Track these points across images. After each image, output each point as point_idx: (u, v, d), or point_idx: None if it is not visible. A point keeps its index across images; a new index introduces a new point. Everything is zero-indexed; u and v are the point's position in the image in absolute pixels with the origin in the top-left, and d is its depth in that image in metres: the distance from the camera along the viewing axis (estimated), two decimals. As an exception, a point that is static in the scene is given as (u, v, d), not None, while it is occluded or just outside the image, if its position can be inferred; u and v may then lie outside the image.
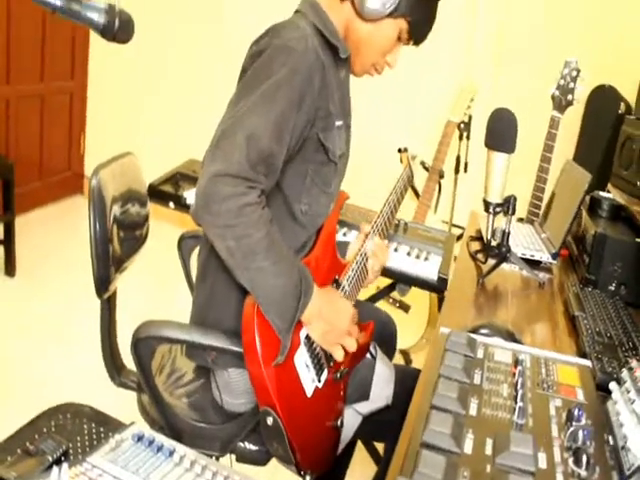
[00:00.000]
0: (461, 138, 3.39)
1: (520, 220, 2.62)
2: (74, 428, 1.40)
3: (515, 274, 2.04)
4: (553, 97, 2.53)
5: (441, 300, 2.42)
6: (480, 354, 1.36)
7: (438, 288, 2.26)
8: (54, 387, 2.74)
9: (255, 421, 1.52)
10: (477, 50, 3.68)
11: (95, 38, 1.16)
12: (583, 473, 1.00)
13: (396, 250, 2.39)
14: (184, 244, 2.03)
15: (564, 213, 2.15)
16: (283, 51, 1.41)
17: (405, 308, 3.05)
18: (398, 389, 1.68)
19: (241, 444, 1.60)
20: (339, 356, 1.52)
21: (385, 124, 4.03)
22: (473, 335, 1.43)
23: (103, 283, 1.66)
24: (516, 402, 1.17)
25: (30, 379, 2.82)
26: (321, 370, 1.53)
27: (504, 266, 1.98)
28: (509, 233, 1.92)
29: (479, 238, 2.27)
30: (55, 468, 1.06)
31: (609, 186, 2.58)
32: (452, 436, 1.04)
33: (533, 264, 2.08)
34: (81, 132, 4.97)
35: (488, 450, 1.03)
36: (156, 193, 2.57)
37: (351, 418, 1.64)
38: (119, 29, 1.04)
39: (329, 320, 1.49)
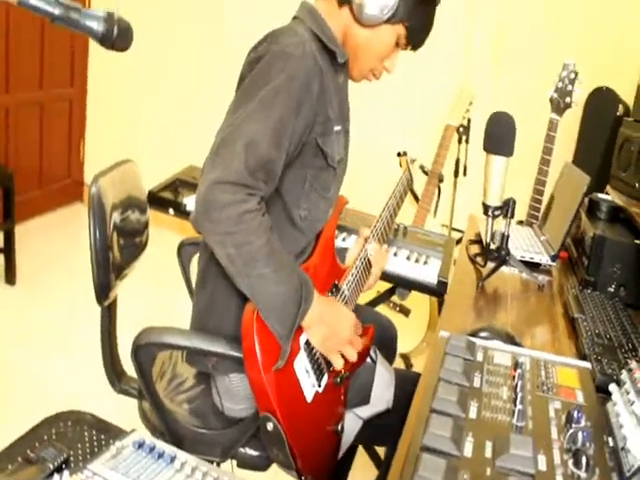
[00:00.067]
0: (460, 142, 3.40)
1: (519, 223, 2.62)
2: (75, 435, 1.40)
3: (515, 277, 2.04)
4: (551, 100, 2.54)
5: (441, 304, 2.42)
6: (480, 357, 1.36)
7: (438, 292, 2.26)
8: (55, 395, 2.74)
9: (256, 426, 1.51)
10: (475, 54, 3.69)
11: (94, 45, 1.17)
12: (583, 475, 1.00)
13: (396, 254, 2.39)
14: (184, 251, 2.03)
15: (563, 215, 2.15)
16: (281, 57, 1.41)
17: (405, 312, 3.05)
18: (398, 393, 1.68)
19: (242, 450, 1.60)
20: (338, 365, 1.52)
21: (384, 128, 4.03)
22: (473, 338, 1.44)
23: (103, 290, 1.67)
24: (516, 405, 1.17)
25: (31, 387, 2.82)
26: (321, 375, 1.53)
27: (503, 269, 1.98)
28: (508, 236, 1.92)
29: (478, 241, 2.27)
30: (56, 476, 1.07)
31: (608, 188, 2.58)
32: (452, 439, 1.04)
33: (532, 267, 2.08)
34: (80, 139, 4.98)
35: (488, 453, 1.03)
36: (156, 200, 2.57)
37: (352, 422, 1.64)
38: (118, 37, 1.04)
39: (330, 326, 1.49)
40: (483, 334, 1.49)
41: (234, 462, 1.64)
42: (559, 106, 2.52)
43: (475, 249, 2.20)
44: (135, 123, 4.82)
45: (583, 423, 1.13)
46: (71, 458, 1.30)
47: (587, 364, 1.40)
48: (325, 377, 1.55)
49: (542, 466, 1.01)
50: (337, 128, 1.57)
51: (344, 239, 2.44)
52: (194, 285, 1.72)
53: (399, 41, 1.58)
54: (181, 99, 4.62)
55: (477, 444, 1.05)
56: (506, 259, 1.93)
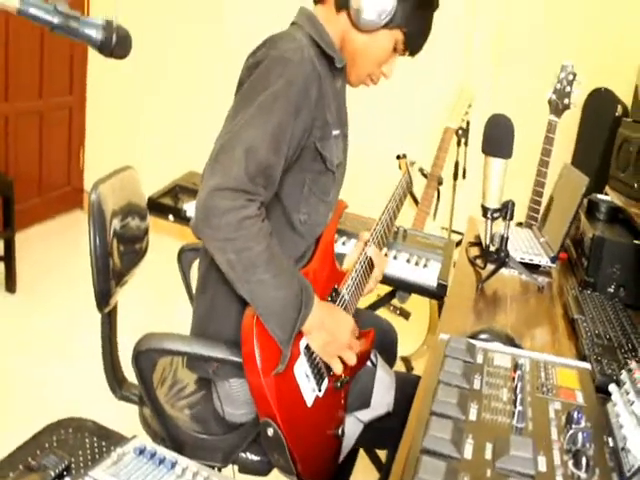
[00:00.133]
0: (459, 144, 3.41)
1: (519, 224, 2.62)
2: (76, 442, 1.40)
3: (514, 279, 2.04)
4: (550, 101, 2.54)
5: (441, 306, 2.42)
6: (479, 359, 1.36)
7: (438, 294, 2.26)
8: (56, 402, 2.74)
9: (256, 431, 1.51)
10: (474, 56, 3.69)
11: (93, 52, 1.18)
12: (583, 475, 1.00)
13: (395, 257, 2.39)
14: (184, 256, 2.04)
15: (562, 217, 2.15)
16: (279, 62, 1.42)
17: (405, 315, 3.05)
18: (399, 396, 1.68)
19: (243, 455, 1.60)
20: (338, 369, 1.53)
21: (383, 132, 4.04)
22: (472, 340, 1.44)
23: (104, 297, 1.67)
24: (515, 406, 1.17)
25: (32, 394, 2.82)
26: (321, 379, 1.53)
27: (503, 271, 1.98)
28: (507, 238, 1.92)
29: (478, 244, 2.27)
30: (57, 483, 1.07)
31: (607, 188, 2.58)
32: (452, 441, 1.04)
33: (532, 268, 2.08)
34: (80, 147, 4.98)
35: (488, 455, 1.03)
36: (156, 206, 2.57)
37: (352, 426, 1.64)
38: (117, 45, 1.04)
39: (330, 331, 1.50)
40: (483, 336, 1.49)
41: (235, 467, 1.64)
42: (557, 107, 2.52)
43: (475, 251, 2.20)
44: (134, 130, 4.83)
45: (583, 424, 1.13)
46: (72, 465, 1.31)
47: (587, 365, 1.40)
48: (325, 381, 1.55)
49: (542, 467, 1.01)
50: (336, 132, 1.58)
51: (344, 243, 2.44)
52: (194, 291, 1.72)
53: (397, 46, 1.58)
54: (180, 105, 4.63)
55: (477, 446, 1.05)
56: (505, 261, 1.93)
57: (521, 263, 2.03)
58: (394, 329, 2.12)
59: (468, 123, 3.32)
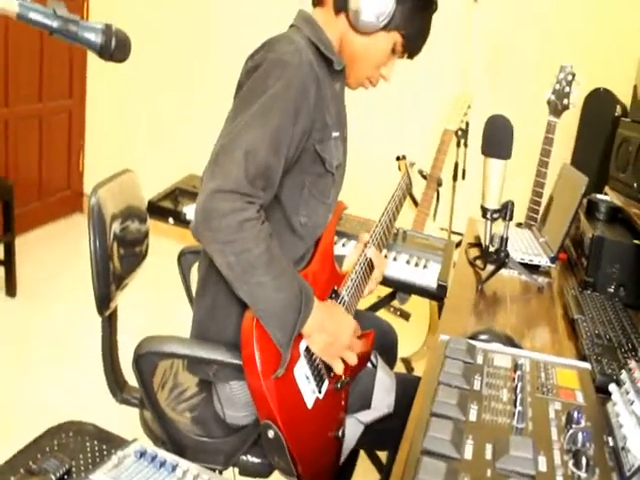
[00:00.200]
0: (459, 145, 3.41)
1: (519, 225, 2.62)
2: (77, 446, 1.40)
3: (514, 279, 2.04)
4: (549, 102, 2.55)
5: (441, 307, 2.42)
6: (479, 360, 1.36)
7: (438, 295, 2.26)
8: (56, 406, 2.74)
9: (257, 434, 1.52)
10: (473, 57, 3.69)
11: (92, 56, 1.18)
12: (583, 475, 1.00)
13: (395, 259, 2.39)
14: (184, 259, 2.04)
15: (562, 217, 2.15)
16: (278, 65, 1.42)
17: (406, 316, 3.05)
18: (399, 397, 1.68)
19: (244, 457, 1.60)
20: (339, 369, 1.53)
21: (382, 134, 4.04)
22: (472, 341, 1.44)
23: (104, 301, 1.67)
24: (516, 406, 1.17)
25: (32, 398, 2.82)
26: (321, 381, 1.53)
27: (503, 271, 1.98)
28: (507, 238, 1.92)
29: (478, 244, 2.27)
30: (58, 486, 1.07)
31: (606, 188, 2.58)
32: (452, 442, 1.04)
33: (532, 269, 2.08)
34: (80, 150, 4.99)
35: (488, 455, 1.03)
36: (156, 209, 2.57)
37: (353, 427, 1.64)
38: (116, 48, 1.04)
39: (331, 333, 1.50)
40: (483, 337, 1.49)
41: (236, 470, 1.64)
42: (557, 108, 2.53)
43: (474, 252, 2.20)
44: (134, 133, 4.83)
45: (583, 423, 1.13)
46: (73, 469, 1.31)
47: (587, 365, 1.40)
48: (325, 383, 1.55)
49: (542, 467, 1.01)
50: (335, 134, 1.58)
51: (344, 244, 2.45)
52: (194, 294, 1.72)
53: (395, 48, 1.59)
54: (179, 108, 4.63)
55: (477, 446, 1.05)
56: (505, 262, 1.93)
57: (521, 264, 2.03)
58: (394, 330, 2.12)
59: (467, 124, 3.32)
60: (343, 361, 1.53)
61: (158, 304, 3.69)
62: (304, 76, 1.43)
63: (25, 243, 4.19)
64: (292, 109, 1.41)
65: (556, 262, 2.12)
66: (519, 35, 3.70)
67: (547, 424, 1.14)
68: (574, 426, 1.12)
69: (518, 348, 1.47)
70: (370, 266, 1.75)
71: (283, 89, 1.40)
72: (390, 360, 1.99)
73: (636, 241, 1.94)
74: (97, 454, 1.39)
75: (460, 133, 3.31)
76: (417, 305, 2.99)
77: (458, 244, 2.79)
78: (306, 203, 1.57)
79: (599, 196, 2.33)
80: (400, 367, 3.05)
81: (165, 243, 3.26)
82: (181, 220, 2.56)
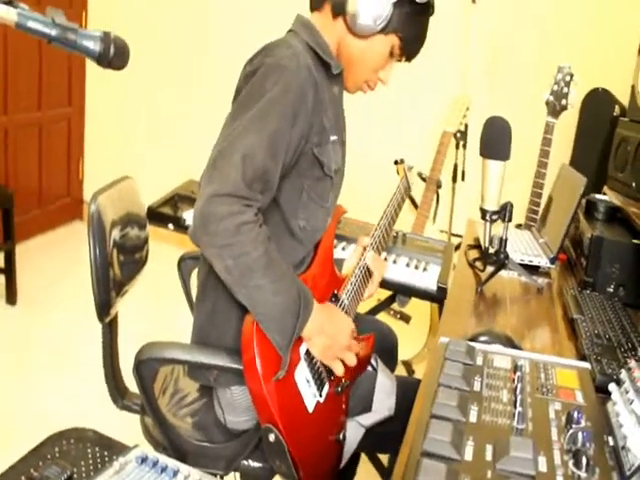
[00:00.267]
0: (458, 147, 3.42)
1: (518, 226, 2.63)
2: (78, 453, 1.40)
3: (514, 280, 2.04)
4: (547, 103, 2.55)
5: (441, 309, 2.42)
6: (479, 361, 1.36)
7: (438, 298, 2.26)
8: (57, 413, 2.74)
9: (258, 438, 1.51)
10: (471, 59, 3.69)
11: (91, 64, 1.18)
12: (583, 475, 1.00)
13: (395, 262, 2.39)
14: (184, 265, 2.04)
15: (561, 217, 2.15)
16: (276, 69, 1.43)
17: (406, 319, 3.05)
18: (400, 400, 1.68)
19: (245, 462, 1.59)
20: (339, 371, 1.53)
21: (381, 137, 4.04)
22: (472, 343, 1.44)
23: (104, 307, 1.67)
24: (515, 407, 1.17)
25: (32, 406, 2.82)
26: (322, 385, 1.53)
27: (503, 273, 1.98)
28: (506, 240, 1.92)
29: (477, 246, 2.27)
30: (59, 493, 1.07)
31: (605, 188, 2.58)
32: (452, 444, 1.04)
33: (532, 269, 2.08)
34: (79, 158, 4.99)
35: (488, 456, 1.03)
36: (155, 215, 2.58)
37: (354, 431, 1.64)
38: (114, 56, 1.05)
39: (330, 335, 1.50)
40: (483, 338, 1.49)
41: (237, 474, 1.64)
42: (555, 109, 2.53)
43: (474, 254, 2.20)
44: (133, 140, 4.84)
45: (583, 423, 1.13)
46: (74, 476, 1.31)
47: (586, 365, 1.40)
48: (326, 386, 1.55)
49: (542, 467, 1.01)
50: (333, 138, 1.58)
51: (343, 248, 2.45)
52: (194, 299, 1.72)
53: (393, 51, 1.59)
54: (178, 115, 4.64)
55: (477, 448, 1.05)
56: (505, 263, 1.93)
57: (520, 265, 2.03)
58: (394, 333, 2.13)
59: (466, 126, 3.33)
60: (343, 363, 1.54)
61: (158, 310, 3.69)
62: (302, 80, 1.44)
63: (25, 251, 4.19)
64: (290, 113, 1.41)
65: (556, 263, 2.12)
66: (517, 36, 3.71)
67: (547, 424, 1.14)
68: (574, 426, 1.12)
69: (518, 349, 1.46)
70: (369, 269, 1.76)
71: (281, 93, 1.40)
72: (390, 363, 1.99)
73: (635, 240, 1.94)
74: (98, 460, 1.38)
75: (459, 135, 3.31)
76: (417, 308, 2.99)
77: (458, 246, 2.79)
78: (305, 207, 1.58)
79: (598, 196, 2.33)
80: (401, 370, 3.05)
81: (165, 249, 3.26)
82: (181, 226, 2.57)
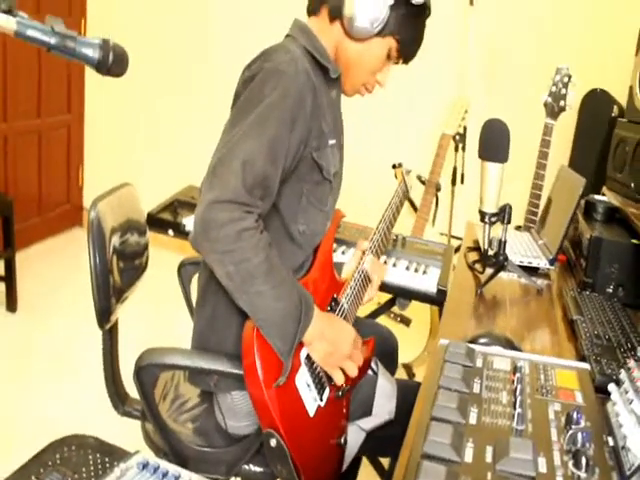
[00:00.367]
0: (457, 150, 3.42)
1: (518, 228, 2.63)
2: (79, 459, 1.40)
3: (513, 282, 2.04)
4: (546, 104, 2.55)
5: (442, 312, 2.43)
6: (479, 363, 1.36)
7: (438, 300, 2.26)
8: (57, 420, 2.74)
9: (259, 443, 1.52)
10: (469, 61, 3.70)
11: (90, 71, 1.18)
12: (583, 475, 1.00)
13: (395, 265, 2.40)
14: (184, 271, 2.04)
15: (560, 218, 2.15)
16: (274, 74, 1.43)
17: (406, 322, 3.05)
18: (400, 403, 1.69)
19: (246, 466, 1.59)
20: (339, 379, 1.53)
21: (379, 140, 4.05)
22: (472, 345, 1.44)
23: (104, 314, 1.68)
24: (515, 408, 1.17)
25: (33, 413, 2.82)
26: (323, 389, 1.53)
27: (502, 275, 1.98)
28: (505, 242, 1.92)
29: (476, 248, 2.27)
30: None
31: (604, 189, 2.59)
32: (452, 446, 1.04)
33: (531, 271, 2.08)
34: (79, 165, 5.00)
35: (488, 458, 1.03)
36: (155, 221, 2.58)
37: (354, 435, 1.64)
38: (113, 63, 1.05)
39: (331, 341, 1.50)
40: (482, 340, 1.49)
41: (238, 479, 1.64)
42: (553, 110, 2.54)
43: (473, 256, 2.20)
44: (133, 146, 4.85)
45: (583, 424, 1.13)
46: (76, 482, 1.31)
47: (586, 365, 1.40)
48: (327, 391, 1.55)
49: (542, 468, 1.01)
50: (332, 142, 1.59)
51: (343, 252, 2.45)
52: (195, 304, 1.72)
53: (390, 54, 1.59)
54: (177, 121, 4.65)
55: (477, 449, 1.05)
56: (504, 265, 1.93)
57: (520, 266, 2.03)
58: (394, 336, 2.13)
59: (465, 129, 3.33)
60: (343, 371, 1.54)
61: (158, 316, 3.69)
62: (300, 85, 1.44)
63: (25, 258, 4.20)
64: (289, 118, 1.41)
65: (555, 264, 2.13)
66: (515, 38, 3.71)
67: (547, 425, 1.15)
68: (574, 427, 1.12)
69: (518, 351, 1.47)
70: (369, 273, 1.76)
71: (280, 98, 1.40)
72: (391, 366, 1.99)
73: (634, 240, 1.95)
74: (99, 467, 1.39)
75: (458, 138, 3.32)
76: (418, 311, 3.00)
77: (458, 249, 2.79)
78: (304, 211, 1.58)
79: (597, 197, 2.34)
80: (402, 373, 3.05)
81: (165, 255, 3.27)
82: (181, 231, 2.57)
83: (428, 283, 2.27)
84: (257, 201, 1.37)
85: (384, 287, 2.14)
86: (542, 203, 2.53)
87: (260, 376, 1.38)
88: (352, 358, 1.55)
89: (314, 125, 1.50)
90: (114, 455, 1.43)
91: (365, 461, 2.14)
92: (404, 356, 2.86)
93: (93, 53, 1.03)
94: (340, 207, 1.79)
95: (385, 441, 1.68)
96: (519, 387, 1.24)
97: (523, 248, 2.23)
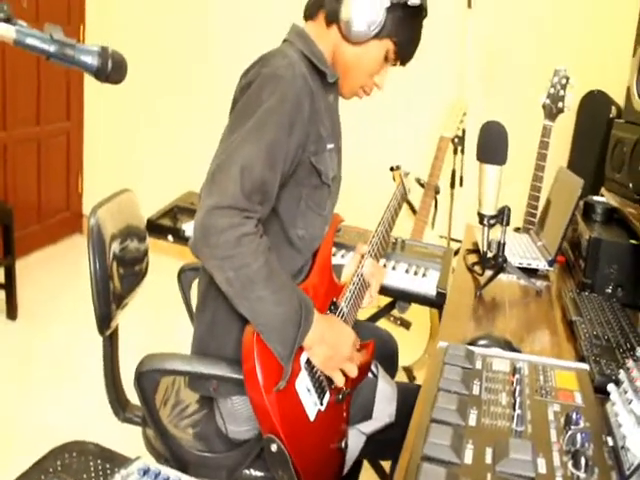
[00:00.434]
0: (456, 152, 3.42)
1: (517, 229, 2.63)
2: (80, 466, 1.40)
3: (513, 284, 2.04)
4: (544, 106, 2.56)
5: (442, 315, 2.43)
6: (478, 365, 1.36)
7: (437, 303, 2.26)
8: (58, 427, 2.73)
9: (260, 448, 1.52)
10: (467, 63, 3.70)
11: (89, 78, 1.18)
12: (582, 475, 1.00)
13: (394, 268, 2.40)
14: (184, 276, 2.05)
15: (559, 220, 2.15)
16: (272, 80, 1.43)
17: (406, 325, 3.05)
18: (400, 406, 1.69)
19: (246, 471, 1.59)
20: (339, 381, 1.53)
21: (377, 142, 4.05)
22: (471, 347, 1.44)
23: (105, 320, 1.68)
24: (515, 410, 1.17)
25: (34, 420, 2.82)
26: (323, 393, 1.54)
27: (502, 277, 1.98)
28: (504, 243, 1.92)
29: (476, 251, 2.27)
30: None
31: (602, 190, 2.59)
32: (452, 447, 1.04)
33: (530, 272, 2.08)
34: (79, 172, 5.00)
35: (488, 459, 1.04)
36: (155, 227, 2.58)
37: (355, 438, 1.64)
38: (112, 70, 1.06)
39: (331, 345, 1.50)
40: (482, 342, 1.50)
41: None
42: (551, 112, 2.54)
43: (473, 258, 2.20)
44: (132, 153, 4.85)
45: (582, 424, 1.13)
46: (77, 488, 1.31)
47: (585, 366, 1.40)
48: (327, 395, 1.55)
49: (542, 469, 1.01)
50: (330, 146, 1.59)
51: (343, 256, 2.45)
52: (194, 310, 1.73)
53: (388, 56, 1.60)
54: (176, 127, 4.65)
55: (477, 451, 1.06)
56: (503, 267, 1.93)
57: (519, 268, 2.03)
58: (394, 339, 2.13)
59: (464, 131, 3.33)
60: (344, 373, 1.54)
61: (159, 322, 3.69)
62: (298, 90, 1.45)
63: (25, 266, 4.20)
64: (287, 123, 1.42)
65: (554, 265, 2.13)
66: (513, 40, 3.72)
67: (546, 426, 1.15)
68: (573, 427, 1.12)
69: (517, 352, 1.47)
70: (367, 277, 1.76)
71: (277, 103, 1.41)
72: (391, 369, 2.00)
73: (633, 241, 1.95)
74: (100, 473, 1.39)
75: (457, 140, 3.32)
76: (417, 313, 3.00)
77: (457, 251, 2.80)
78: (303, 215, 1.58)
79: (595, 198, 2.34)
80: (402, 376, 3.05)
81: (165, 261, 3.27)
82: (180, 237, 2.57)
83: (427, 286, 2.28)
84: (256, 206, 1.37)
85: (384, 290, 2.15)
86: (541, 205, 2.53)
87: (260, 381, 1.38)
88: (352, 359, 1.56)
89: (312, 129, 1.51)
90: (115, 461, 1.43)
91: (366, 465, 2.14)
92: (404, 359, 2.86)
93: (92, 60, 1.04)
94: (339, 210, 1.79)
95: (386, 444, 1.68)
96: (518, 388, 1.24)
97: (522, 250, 2.24)
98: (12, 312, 3.68)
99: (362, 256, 1.78)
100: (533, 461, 1.01)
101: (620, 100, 3.05)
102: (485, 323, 1.77)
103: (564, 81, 2.50)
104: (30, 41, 0.99)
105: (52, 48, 1.00)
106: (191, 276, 2.03)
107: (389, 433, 1.66)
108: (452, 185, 3.53)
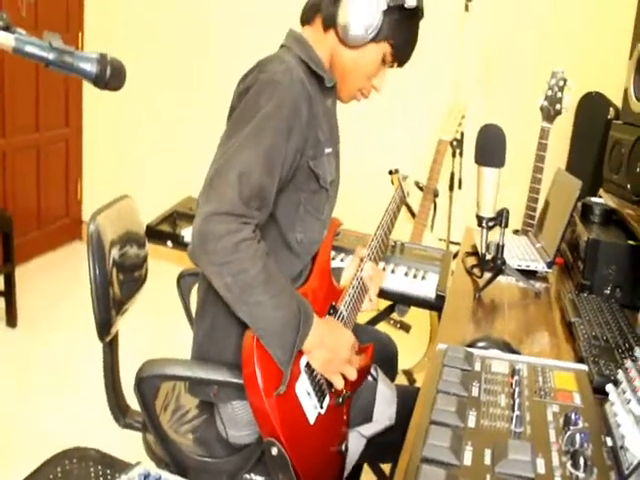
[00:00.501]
0: (454, 155, 3.43)
1: (516, 232, 2.63)
2: (81, 472, 1.40)
3: (512, 286, 2.04)
4: (542, 108, 2.56)
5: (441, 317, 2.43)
6: (477, 367, 1.37)
7: (437, 306, 2.26)
8: (58, 434, 2.73)
9: (260, 452, 1.52)
10: (465, 66, 3.71)
11: (88, 85, 1.19)
12: (581, 475, 1.00)
13: (393, 271, 2.40)
14: (183, 282, 2.05)
15: (558, 221, 2.16)
16: (269, 85, 1.44)
17: (406, 328, 3.05)
18: (400, 409, 1.69)
19: (247, 476, 1.59)
20: (339, 384, 1.53)
21: (375, 146, 4.06)
22: (470, 349, 1.44)
23: (104, 326, 1.68)
24: (514, 411, 1.17)
25: (34, 426, 2.82)
26: (323, 396, 1.54)
27: (500, 279, 1.98)
28: (503, 246, 1.93)
29: (475, 253, 2.27)
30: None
31: (600, 191, 2.59)
32: (451, 449, 1.04)
33: (529, 274, 2.09)
34: (78, 178, 5.01)
35: (487, 460, 1.04)
36: (154, 233, 2.58)
37: (355, 441, 1.64)
38: (111, 77, 1.06)
39: (331, 349, 1.50)
40: (481, 344, 1.50)
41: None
42: (549, 114, 2.54)
43: (472, 261, 2.20)
44: (131, 159, 4.86)
45: (581, 425, 1.13)
46: (78, 494, 1.32)
47: (584, 367, 1.40)
48: (327, 398, 1.55)
49: (541, 469, 1.02)
50: (328, 150, 1.59)
51: (342, 260, 2.45)
52: (194, 315, 1.73)
53: (385, 58, 1.60)
54: (175, 133, 4.66)
55: (476, 452, 1.06)
56: (502, 269, 1.93)
57: (518, 270, 2.03)
58: (393, 342, 2.13)
59: (462, 134, 3.34)
60: (343, 376, 1.54)
61: (158, 327, 3.69)
62: (296, 95, 1.45)
63: (25, 273, 4.20)
64: (285, 128, 1.42)
65: (553, 267, 2.13)
66: (511, 43, 3.73)
67: (545, 427, 1.15)
68: (572, 428, 1.12)
69: (516, 354, 1.47)
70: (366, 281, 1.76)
71: (275, 109, 1.41)
72: (390, 372, 2.00)
73: (631, 242, 1.95)
74: (101, 479, 1.39)
75: (455, 143, 3.33)
76: (417, 317, 3.00)
77: (456, 254, 2.80)
78: (302, 220, 1.58)
79: (593, 199, 2.34)
80: (402, 379, 3.05)
81: (164, 266, 3.27)
82: (179, 243, 2.57)
83: (427, 289, 2.28)
84: (254, 212, 1.38)
85: (383, 293, 2.15)
86: (539, 206, 2.54)
87: (260, 385, 1.38)
88: (351, 362, 1.56)
89: (310, 134, 1.51)
90: (116, 467, 1.43)
91: (366, 468, 2.14)
92: (404, 362, 2.86)
93: (91, 67, 1.04)
94: (337, 214, 1.79)
95: (386, 447, 1.68)
96: (517, 390, 1.24)
97: (521, 252, 2.24)
98: (12, 319, 3.68)
99: (361, 259, 1.78)
100: (532, 462, 1.01)
101: (618, 102, 3.06)
102: (484, 325, 1.77)
103: (562, 83, 2.51)
104: (29, 49, 1.00)
105: (51, 55, 1.01)
106: (190, 281, 2.03)
107: (389, 436, 1.66)
108: (451, 188, 3.53)
